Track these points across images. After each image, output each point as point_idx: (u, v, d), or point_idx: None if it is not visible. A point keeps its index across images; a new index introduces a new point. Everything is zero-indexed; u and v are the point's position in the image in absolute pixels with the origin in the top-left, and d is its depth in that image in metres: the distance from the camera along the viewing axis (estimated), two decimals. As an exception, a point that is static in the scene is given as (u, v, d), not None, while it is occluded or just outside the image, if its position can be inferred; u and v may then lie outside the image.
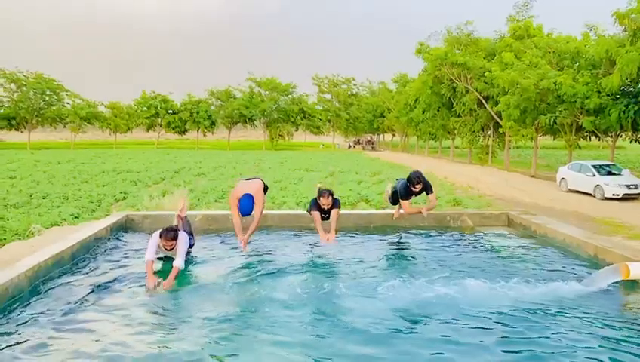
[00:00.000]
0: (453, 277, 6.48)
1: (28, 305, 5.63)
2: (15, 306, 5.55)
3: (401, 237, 9.13)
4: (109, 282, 6.36)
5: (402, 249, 8.49)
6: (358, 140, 72.46)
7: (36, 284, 6.20)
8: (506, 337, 4.83)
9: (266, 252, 7.95)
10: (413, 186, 8.10)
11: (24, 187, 16.78)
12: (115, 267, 6.99)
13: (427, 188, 8.26)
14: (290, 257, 7.69)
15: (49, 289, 6.11)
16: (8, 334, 4.87)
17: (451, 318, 5.27)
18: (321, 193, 7.63)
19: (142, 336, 4.89)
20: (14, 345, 4.64)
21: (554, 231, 8.72)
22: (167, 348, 4.64)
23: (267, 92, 60.45)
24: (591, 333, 4.92)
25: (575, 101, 21.59)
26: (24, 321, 5.18)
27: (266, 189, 8.05)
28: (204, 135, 64.43)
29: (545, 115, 23.79)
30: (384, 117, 61.83)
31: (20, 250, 7.97)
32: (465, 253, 8.10)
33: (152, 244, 6.46)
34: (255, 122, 62.39)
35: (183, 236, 6.61)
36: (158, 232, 6.58)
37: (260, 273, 6.85)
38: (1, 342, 4.70)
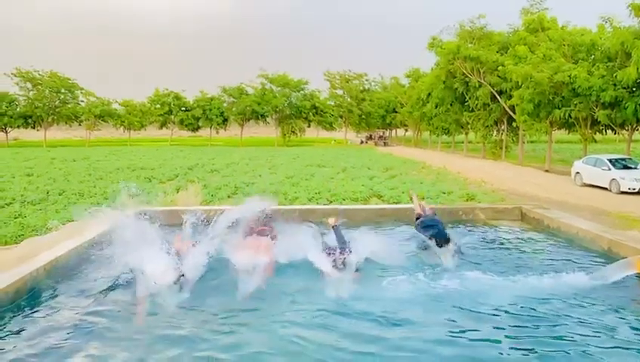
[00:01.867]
0: (465, 270, 6.49)
1: (48, 296, 5.78)
2: (35, 298, 5.70)
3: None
4: (125, 274, 6.48)
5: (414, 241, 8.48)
6: (370, 136, 72.18)
7: (55, 277, 6.35)
8: (515, 331, 4.83)
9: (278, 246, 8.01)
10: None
11: (41, 184, 17.07)
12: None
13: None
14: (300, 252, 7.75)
15: (67, 281, 6.26)
16: (30, 323, 5.03)
17: (461, 311, 5.28)
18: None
19: (159, 323, 5.02)
20: (37, 334, 4.79)
21: (567, 224, 8.68)
22: (184, 335, 4.76)
23: (279, 88, 60.50)
24: (604, 327, 4.89)
25: (590, 94, 21.32)
26: (45, 311, 5.32)
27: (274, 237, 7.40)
28: (217, 132, 64.73)
29: (559, 108, 23.52)
30: (396, 112, 61.53)
31: (38, 245, 8.13)
32: (477, 245, 8.09)
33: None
34: (267, 118, 62.51)
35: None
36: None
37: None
38: (22, 331, 4.85)
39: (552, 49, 24.88)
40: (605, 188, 17.65)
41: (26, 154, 35.82)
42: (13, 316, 5.22)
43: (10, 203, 13.04)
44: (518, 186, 18.12)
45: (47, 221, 10.29)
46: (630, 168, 17.81)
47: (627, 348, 4.50)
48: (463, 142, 44.28)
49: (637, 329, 4.90)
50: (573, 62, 23.61)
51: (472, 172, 23.63)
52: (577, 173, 19.69)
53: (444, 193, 14.59)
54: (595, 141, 26.24)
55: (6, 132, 56.76)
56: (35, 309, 5.43)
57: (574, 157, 25.35)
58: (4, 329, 4.91)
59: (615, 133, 26.75)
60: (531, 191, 16.63)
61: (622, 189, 16.72)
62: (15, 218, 10.86)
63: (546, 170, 25.80)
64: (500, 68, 28.54)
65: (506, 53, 30.30)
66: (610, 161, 18.26)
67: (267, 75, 60.42)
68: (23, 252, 7.69)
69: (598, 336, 4.72)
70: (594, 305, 5.46)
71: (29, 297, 5.71)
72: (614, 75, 20.02)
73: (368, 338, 4.72)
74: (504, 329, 4.89)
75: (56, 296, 5.84)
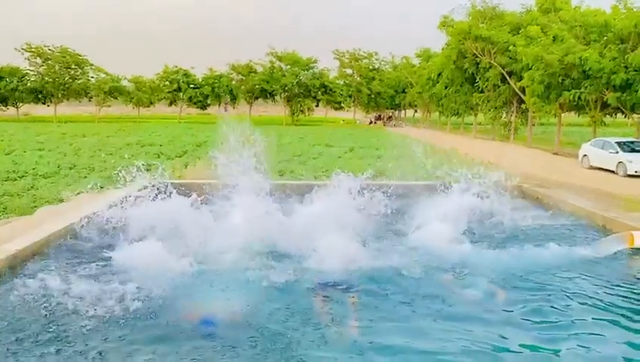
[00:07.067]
0: (462, 241, 6.67)
1: (66, 256, 6.09)
2: (50, 258, 6.02)
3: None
4: (132, 240, 6.75)
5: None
6: (379, 116, 71.73)
7: (67, 241, 6.66)
8: (514, 300, 5.02)
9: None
10: None
11: (52, 158, 17.39)
12: (139, 229, 7.33)
13: None
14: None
15: (79, 245, 6.56)
16: (46, 280, 5.44)
17: (458, 280, 5.48)
18: None
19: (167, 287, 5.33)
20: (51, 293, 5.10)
21: (564, 202, 8.85)
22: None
23: (288, 66, 60.14)
24: (599, 297, 5.08)
25: (601, 76, 21.13)
26: (60, 270, 5.65)
27: None
28: (226, 110, 64.74)
29: (569, 90, 23.34)
30: (406, 92, 61.05)
31: (52, 214, 8.42)
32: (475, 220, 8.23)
33: None
34: (276, 97, 62.31)
35: None
36: None
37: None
38: (37, 289, 5.21)
39: (564, 30, 24.56)
40: (612, 171, 17.61)
41: (37, 129, 36.23)
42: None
43: (23, 176, 13.36)
44: (525, 168, 18.12)
45: (59, 193, 10.60)
46: (638, 151, 17.71)
47: (616, 316, 4.69)
48: (472, 124, 44.06)
49: (626, 298, 5.08)
50: (585, 44, 23.32)
51: (479, 153, 23.61)
52: (584, 155, 19.64)
53: (449, 173, 14.66)
54: (605, 124, 26.06)
55: (17, 107, 57.22)
56: (50, 267, 5.73)
57: (583, 140, 25.24)
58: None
59: (625, 117, 26.53)
60: (538, 173, 16.63)
61: (628, 172, 16.68)
62: (28, 190, 11.16)
63: (555, 153, 25.72)
64: (510, 48, 28.24)
65: (518, 33, 29.93)
66: (618, 143, 18.17)
67: (276, 53, 59.98)
68: (38, 218, 7.98)
69: (588, 305, 4.91)
70: (586, 276, 5.64)
71: (43, 257, 6.02)
72: (626, 57, 19.82)
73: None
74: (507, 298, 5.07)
75: (75, 255, 6.14)
